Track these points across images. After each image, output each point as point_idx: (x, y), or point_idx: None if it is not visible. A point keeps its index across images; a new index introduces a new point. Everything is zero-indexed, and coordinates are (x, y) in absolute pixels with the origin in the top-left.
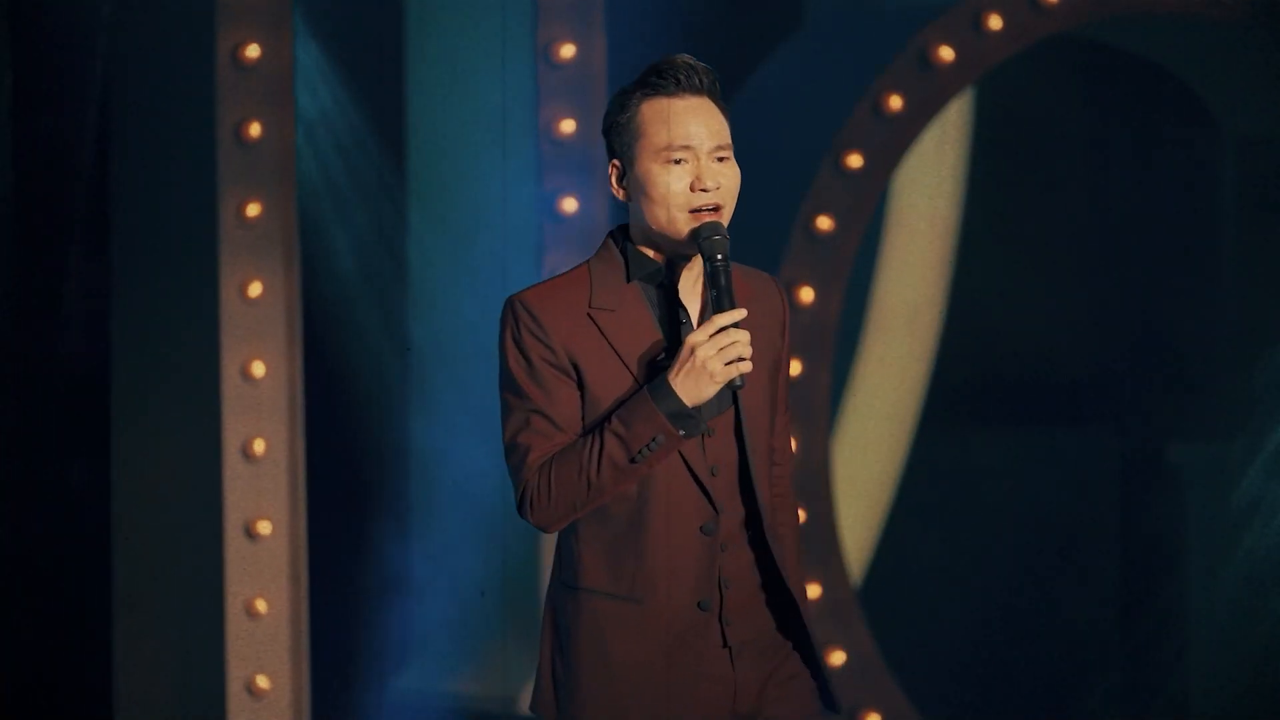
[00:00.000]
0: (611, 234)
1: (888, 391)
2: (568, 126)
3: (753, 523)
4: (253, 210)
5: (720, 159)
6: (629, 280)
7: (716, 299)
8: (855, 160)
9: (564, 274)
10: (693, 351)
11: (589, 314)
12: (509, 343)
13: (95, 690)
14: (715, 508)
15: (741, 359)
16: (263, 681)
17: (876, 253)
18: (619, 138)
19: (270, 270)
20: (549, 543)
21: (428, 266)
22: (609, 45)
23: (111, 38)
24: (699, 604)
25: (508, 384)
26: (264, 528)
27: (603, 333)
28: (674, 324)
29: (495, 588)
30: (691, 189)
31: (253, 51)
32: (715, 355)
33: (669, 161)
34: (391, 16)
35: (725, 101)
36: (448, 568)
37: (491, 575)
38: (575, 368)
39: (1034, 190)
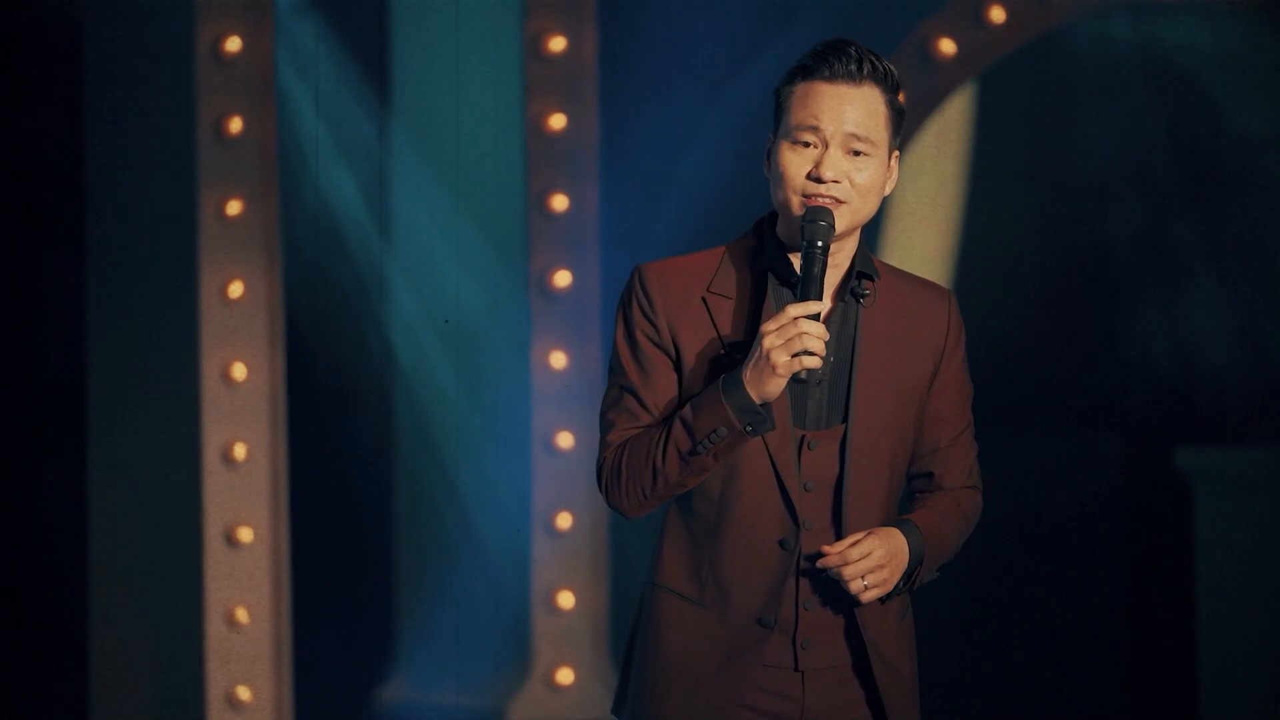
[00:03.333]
0: (759, 220)
1: None
2: (557, 122)
3: None
4: (233, 208)
5: (855, 152)
6: (756, 270)
7: (803, 285)
8: None
9: (701, 251)
10: (761, 341)
11: (704, 297)
12: (621, 313)
13: (71, 702)
14: (797, 522)
15: (810, 353)
16: (244, 693)
17: (876, 248)
18: (777, 111)
19: (251, 270)
20: (537, 550)
21: (413, 259)
22: (601, 37)
23: (88, 31)
24: (760, 620)
25: (612, 357)
26: (245, 534)
27: (712, 318)
28: None
29: (482, 596)
30: (809, 175)
31: (233, 44)
32: (781, 346)
33: (796, 142)
34: (378, 6)
35: (892, 91)
36: (433, 577)
37: (478, 584)
38: (677, 350)
39: (1036, 188)
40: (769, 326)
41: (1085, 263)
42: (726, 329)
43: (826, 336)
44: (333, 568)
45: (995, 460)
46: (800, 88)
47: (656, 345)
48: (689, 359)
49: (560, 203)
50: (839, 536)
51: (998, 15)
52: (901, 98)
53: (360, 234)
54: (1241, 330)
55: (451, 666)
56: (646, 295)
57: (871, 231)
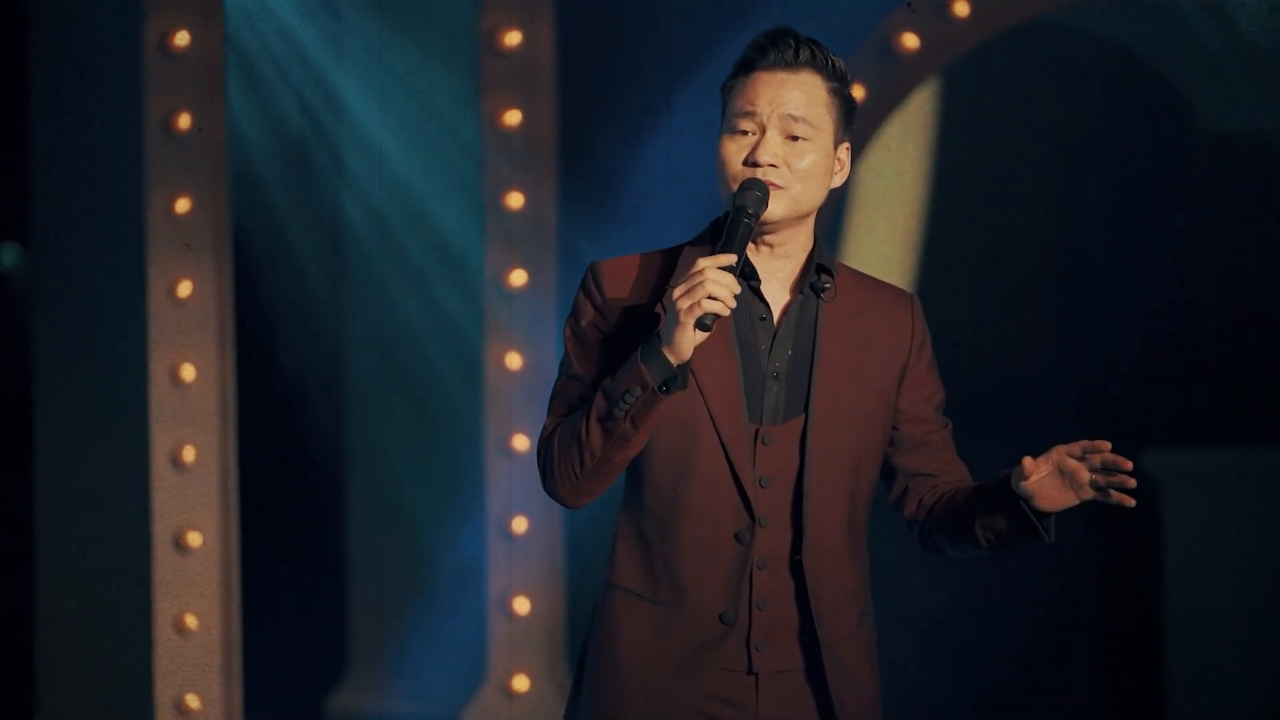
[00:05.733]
0: (718, 218)
1: None
2: (512, 118)
3: (801, 546)
4: (182, 206)
5: (794, 137)
6: None
7: (723, 244)
8: None
9: (656, 251)
10: (672, 297)
11: (659, 296)
12: (574, 304)
13: (17, 709)
14: (753, 517)
15: (713, 297)
16: (193, 701)
17: (836, 248)
18: (722, 109)
19: (201, 269)
20: (493, 555)
21: (366, 263)
22: (558, 33)
23: (35, 25)
24: (721, 615)
25: (563, 351)
26: (194, 539)
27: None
28: (750, 318)
29: (437, 602)
30: (745, 161)
31: (182, 39)
32: (684, 295)
33: (734, 131)
34: (329, 2)
35: (836, 79)
36: (385, 582)
37: (432, 590)
38: (626, 346)
39: (1001, 184)
40: (678, 282)
41: (1050, 260)
42: None
43: (737, 288)
44: (284, 573)
45: (961, 461)
46: (740, 80)
47: (604, 339)
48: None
49: (515, 201)
50: (797, 533)
51: (962, 9)
52: (860, 93)
53: (311, 234)
54: (1208, 331)
55: (406, 673)
56: (600, 291)
57: (833, 226)
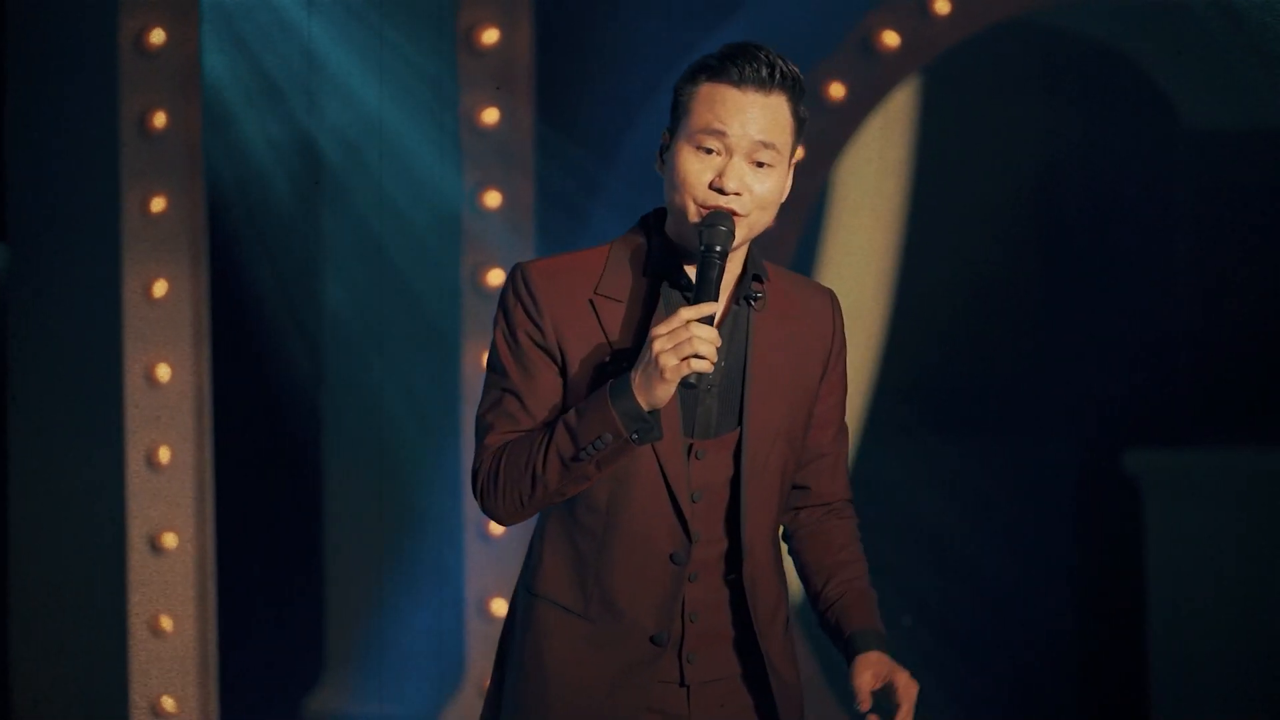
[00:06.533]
0: (645, 217)
1: None
2: (490, 116)
3: (735, 559)
4: (158, 205)
5: (760, 163)
6: (646, 273)
7: (697, 289)
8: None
9: (583, 250)
10: (650, 345)
11: (591, 300)
12: (501, 313)
13: None
14: (689, 535)
15: (700, 356)
16: (168, 703)
17: (817, 248)
18: (676, 109)
19: (176, 268)
20: (471, 556)
21: (342, 263)
22: (536, 30)
23: (8, 21)
24: (653, 638)
25: (492, 356)
26: (169, 540)
27: (600, 322)
28: None
29: (414, 603)
30: (711, 184)
31: (157, 37)
32: (670, 350)
33: (699, 148)
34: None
35: (800, 98)
36: (363, 583)
37: (409, 591)
38: (561, 353)
39: (982, 183)
40: (659, 330)
41: (1031, 259)
42: (614, 333)
43: (719, 341)
44: (260, 574)
45: (940, 462)
46: (706, 88)
47: (540, 347)
48: (574, 363)
49: (493, 199)
50: (730, 547)
51: (943, 6)
52: (840, 92)
53: (287, 232)
54: (1190, 332)
55: (382, 675)
56: (531, 295)
57: (813, 227)
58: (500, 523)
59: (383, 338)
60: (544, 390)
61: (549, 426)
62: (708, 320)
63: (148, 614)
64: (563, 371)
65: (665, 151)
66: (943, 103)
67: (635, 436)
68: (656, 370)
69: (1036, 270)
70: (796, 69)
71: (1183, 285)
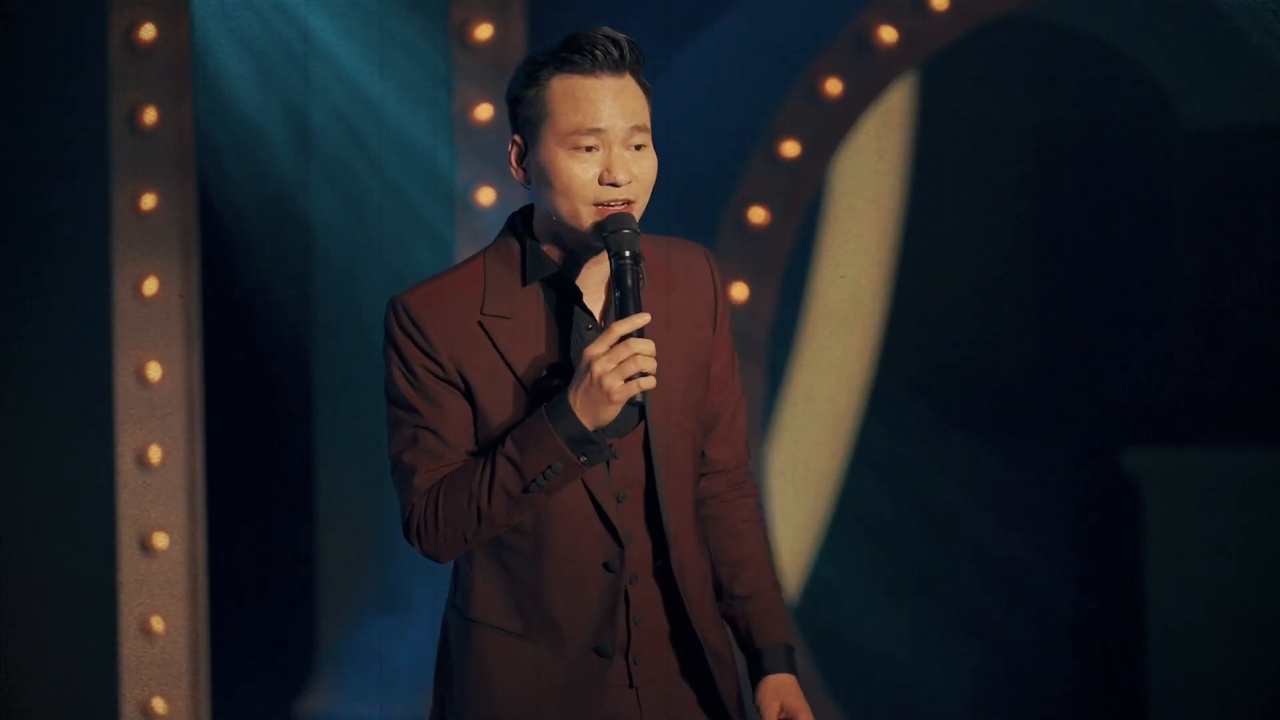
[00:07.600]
0: (512, 222)
1: (826, 392)
2: (484, 113)
3: (662, 549)
4: (148, 202)
5: (637, 146)
6: (526, 283)
7: (621, 301)
8: (791, 148)
9: (456, 269)
10: (589, 367)
11: (479, 321)
12: (392, 350)
13: None
14: (620, 540)
15: (644, 374)
16: (159, 705)
17: (813, 246)
18: (524, 112)
19: (167, 266)
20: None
21: (334, 261)
22: (529, 25)
23: None
24: (597, 649)
25: (392, 395)
26: (160, 540)
27: (494, 343)
28: (577, 331)
29: (405, 604)
30: (600, 180)
31: (148, 32)
32: (613, 371)
33: (576, 148)
34: None
35: (647, 79)
36: (355, 584)
37: (402, 591)
38: (464, 380)
39: (980, 180)
40: (596, 350)
41: (1028, 256)
42: (511, 352)
43: (654, 351)
44: (252, 575)
45: (937, 459)
46: (558, 85)
47: (441, 379)
48: (478, 388)
49: (487, 197)
50: (658, 544)
51: (939, 3)
52: (836, 87)
53: (281, 230)
54: (1188, 330)
55: (374, 676)
56: (418, 328)
57: (810, 223)
58: (439, 561)
59: (374, 339)
60: (457, 420)
61: (483, 458)
62: (639, 332)
63: (138, 615)
64: (468, 397)
65: (525, 159)
66: (940, 99)
67: (584, 460)
68: (602, 393)
69: (1034, 267)
70: (630, 38)
71: (1181, 283)
